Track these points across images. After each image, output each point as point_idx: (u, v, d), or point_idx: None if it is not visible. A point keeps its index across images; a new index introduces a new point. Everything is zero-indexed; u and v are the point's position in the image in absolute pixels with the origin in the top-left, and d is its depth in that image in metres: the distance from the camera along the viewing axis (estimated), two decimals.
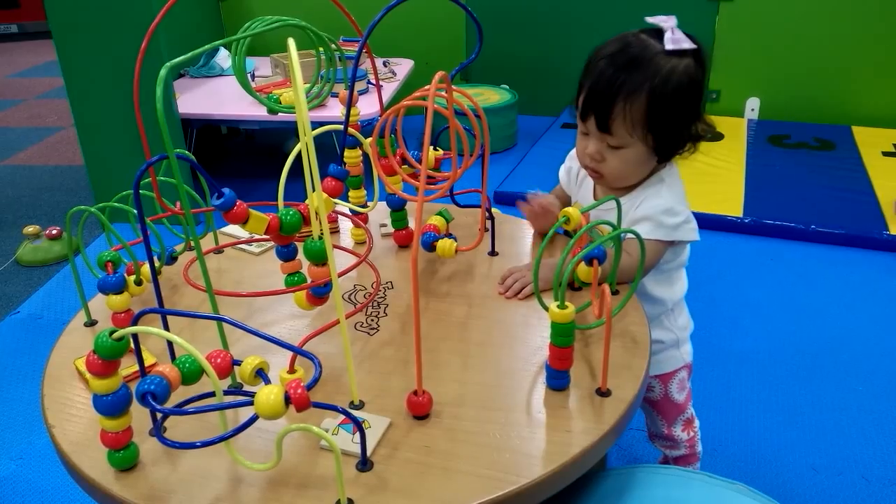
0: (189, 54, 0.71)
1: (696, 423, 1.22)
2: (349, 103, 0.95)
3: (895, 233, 2.30)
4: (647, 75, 0.93)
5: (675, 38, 0.93)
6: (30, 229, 2.41)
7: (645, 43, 0.95)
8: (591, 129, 0.97)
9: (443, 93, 0.85)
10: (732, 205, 2.51)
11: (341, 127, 0.97)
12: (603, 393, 0.79)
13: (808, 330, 1.90)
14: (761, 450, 1.50)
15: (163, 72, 0.65)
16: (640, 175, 1.02)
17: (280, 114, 2.34)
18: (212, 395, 0.68)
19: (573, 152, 1.11)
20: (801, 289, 2.11)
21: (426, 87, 0.76)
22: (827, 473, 1.44)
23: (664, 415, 1.18)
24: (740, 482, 0.85)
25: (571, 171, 1.15)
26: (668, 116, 0.95)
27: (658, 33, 0.95)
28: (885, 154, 2.92)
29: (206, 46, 0.77)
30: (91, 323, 0.97)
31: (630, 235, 0.83)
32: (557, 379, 0.79)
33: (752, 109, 3.39)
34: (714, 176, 2.73)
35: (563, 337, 0.76)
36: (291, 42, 0.65)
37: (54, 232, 2.42)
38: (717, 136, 3.14)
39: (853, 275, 2.18)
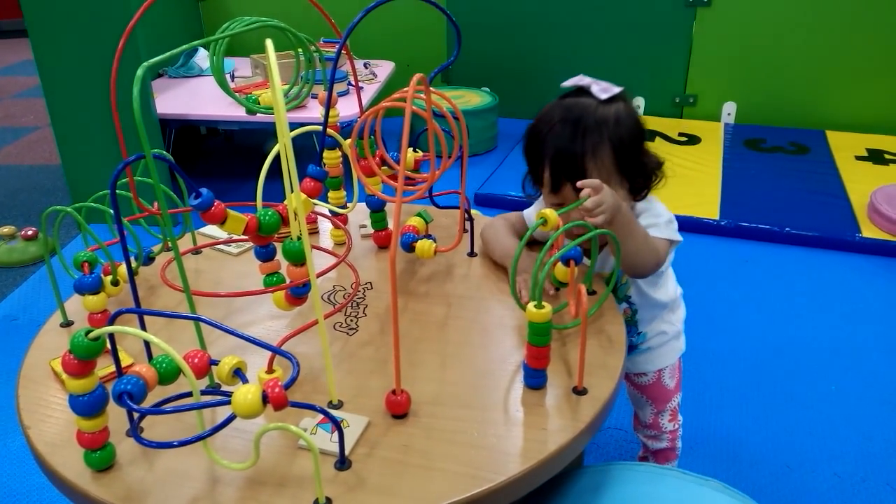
0: (167, 54, 0.71)
1: (681, 418, 1.25)
2: (328, 104, 0.95)
3: (867, 235, 2.35)
4: (601, 128, 0.97)
5: (603, 88, 0.99)
6: (5, 230, 2.38)
7: (580, 103, 0.99)
8: (569, 196, 0.98)
9: (421, 95, 0.85)
10: (709, 208, 2.55)
11: (320, 128, 0.97)
12: (579, 391, 0.80)
13: (782, 330, 1.93)
14: (735, 448, 1.53)
15: (140, 71, 0.65)
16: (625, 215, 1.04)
17: (259, 114, 2.34)
18: (189, 395, 0.68)
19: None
20: (776, 290, 2.14)
21: (405, 88, 0.77)
22: (800, 471, 1.46)
23: (654, 400, 1.20)
24: (714, 479, 0.87)
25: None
26: (632, 156, 1.00)
27: (580, 92, 1.01)
28: (859, 158, 2.98)
29: (185, 46, 0.77)
30: (67, 324, 0.96)
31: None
32: (534, 378, 0.80)
33: (729, 114, 3.43)
34: (691, 179, 2.76)
35: (540, 336, 0.77)
36: (269, 43, 0.65)
37: (30, 233, 2.39)
38: (694, 140, 3.18)
39: (826, 276, 2.22)
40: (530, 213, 1.13)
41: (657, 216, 1.03)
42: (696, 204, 2.55)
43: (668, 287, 1.13)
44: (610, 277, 0.93)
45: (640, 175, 1.02)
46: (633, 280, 1.08)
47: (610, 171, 0.98)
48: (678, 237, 1.03)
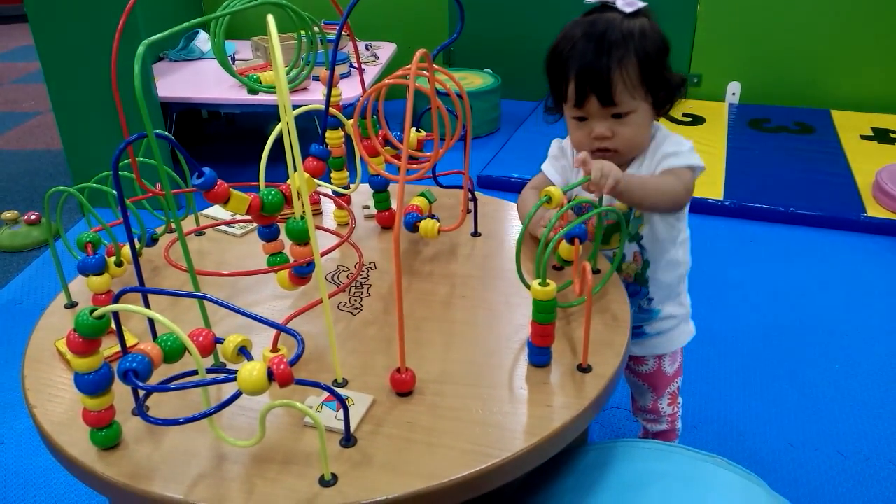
0: (168, 31, 0.71)
1: (680, 399, 1.24)
2: (330, 83, 0.94)
3: (872, 215, 2.34)
4: (626, 41, 0.96)
5: (628, 2, 0.98)
6: (8, 214, 2.38)
7: (604, 17, 0.98)
8: (593, 109, 0.98)
9: (424, 72, 0.84)
10: (713, 188, 2.53)
11: (323, 107, 0.97)
12: (584, 369, 0.80)
13: (786, 310, 1.93)
14: (740, 426, 1.53)
15: (141, 49, 0.64)
16: (647, 137, 1.04)
17: (260, 94, 2.32)
18: (194, 373, 0.68)
19: (558, 150, 1.12)
20: (780, 270, 2.13)
21: (408, 66, 0.76)
22: (804, 449, 1.46)
23: (654, 387, 1.20)
24: (719, 456, 0.87)
25: (568, 163, 1.12)
26: (657, 69, 0.99)
27: (603, 7, 1.00)
28: (864, 137, 2.96)
29: (186, 24, 0.76)
30: (71, 305, 0.96)
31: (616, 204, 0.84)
32: (539, 356, 0.80)
33: (734, 94, 3.41)
34: None
35: (544, 314, 0.77)
36: (271, 19, 0.65)
37: (33, 217, 2.39)
38: (699, 121, 3.16)
39: (831, 256, 2.21)
40: (548, 168, 1.13)
41: (679, 144, 1.02)
42: (701, 184, 2.50)
43: (686, 247, 1.12)
44: (615, 256, 0.92)
45: (663, 89, 1.00)
46: (647, 217, 1.06)
47: (635, 84, 0.97)
48: (701, 164, 1.02)
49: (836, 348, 1.77)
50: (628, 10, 0.97)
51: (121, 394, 0.70)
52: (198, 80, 2.77)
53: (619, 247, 0.97)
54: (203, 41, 3.05)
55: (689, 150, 1.02)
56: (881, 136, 2.97)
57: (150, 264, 1.05)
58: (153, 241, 1.09)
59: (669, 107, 1.03)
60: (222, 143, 3.27)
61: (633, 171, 1.03)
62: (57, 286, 0.98)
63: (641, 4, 0.99)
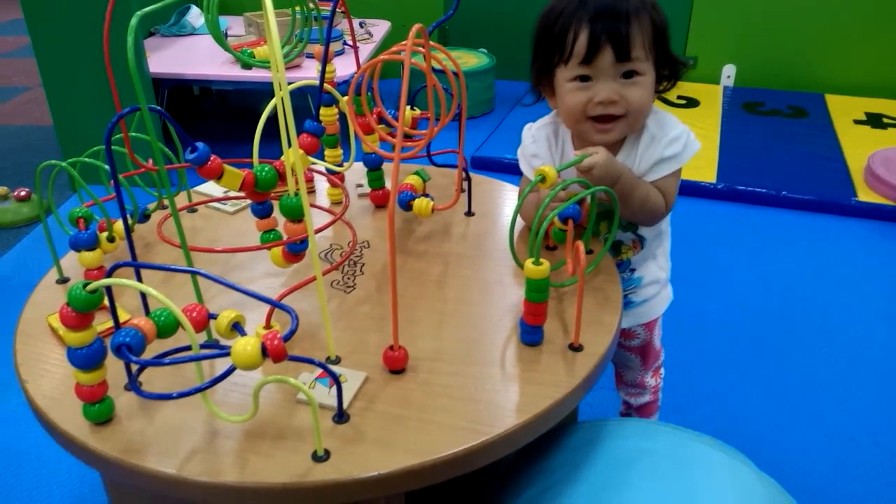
0: (160, 4, 0.70)
1: (663, 371, 1.25)
2: (324, 59, 0.94)
3: (864, 199, 2.35)
4: (638, 1, 0.91)
5: None
6: None
7: None
8: (604, 65, 0.91)
9: (420, 48, 0.84)
10: (706, 171, 2.54)
11: (317, 83, 0.96)
12: (575, 348, 0.80)
13: (776, 293, 1.95)
14: (727, 407, 1.55)
15: (133, 20, 0.63)
16: (649, 111, 0.98)
17: (253, 71, 2.31)
18: (188, 349, 0.68)
19: (532, 143, 1.05)
20: (771, 253, 2.15)
21: (403, 42, 0.75)
22: (790, 430, 1.48)
23: (644, 360, 1.20)
24: (707, 435, 0.88)
25: (545, 160, 1.05)
26: (665, 38, 0.94)
27: None
28: (857, 122, 2.97)
29: None
30: (63, 280, 0.96)
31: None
32: (531, 334, 0.81)
33: (728, 76, 3.40)
34: None
35: (537, 293, 0.77)
36: None
37: (23, 193, 2.37)
38: (694, 103, 3.15)
39: (822, 240, 2.22)
40: (528, 164, 1.08)
41: (677, 140, 0.97)
42: (694, 167, 2.54)
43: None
44: (608, 237, 0.93)
45: (668, 65, 0.96)
46: None
47: (648, 43, 0.92)
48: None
49: (825, 331, 1.79)
50: None
51: (113, 369, 0.70)
52: (189, 55, 2.75)
53: (610, 232, 0.96)
54: (195, 16, 3.02)
55: (685, 146, 0.98)
56: (874, 120, 2.98)
57: (143, 240, 1.04)
58: (145, 217, 1.08)
59: (669, 86, 1.00)
60: (214, 121, 3.24)
61: (625, 153, 0.99)
62: (47, 263, 0.98)
63: None
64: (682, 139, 0.98)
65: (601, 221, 1.04)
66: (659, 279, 1.13)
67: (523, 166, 1.08)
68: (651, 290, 1.12)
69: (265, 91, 2.99)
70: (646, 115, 0.98)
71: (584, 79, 0.93)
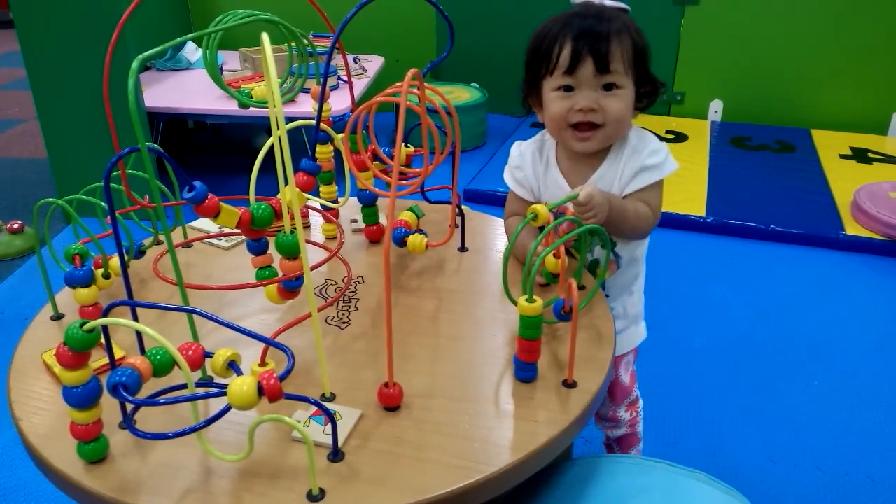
0: (160, 48, 0.71)
1: (640, 403, 1.25)
2: (321, 98, 0.95)
3: (851, 233, 2.38)
4: (622, 19, 0.98)
5: (613, 4, 1.01)
6: None
7: (594, 3, 1.00)
8: (585, 75, 0.96)
9: (415, 90, 0.86)
10: (695, 204, 2.57)
11: (313, 122, 0.98)
12: (569, 384, 0.81)
13: (766, 326, 1.96)
14: (720, 441, 1.55)
15: (135, 64, 0.65)
16: (628, 124, 1.03)
17: (251, 108, 2.31)
18: (183, 387, 0.69)
19: (518, 156, 1.11)
20: (761, 286, 2.17)
21: (399, 83, 0.77)
22: (784, 465, 1.48)
23: (612, 397, 1.21)
24: (701, 471, 0.88)
25: (528, 172, 1.10)
26: (644, 60, 1.00)
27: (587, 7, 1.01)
28: (843, 157, 3.01)
29: (178, 40, 0.77)
30: (58, 317, 0.96)
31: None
32: (525, 371, 0.81)
33: (716, 112, 3.46)
34: (678, 176, 2.74)
35: (531, 330, 0.78)
36: (265, 37, 0.66)
37: (16, 226, 2.37)
38: (682, 138, 3.20)
39: (810, 273, 2.24)
40: (510, 182, 1.13)
41: (657, 152, 1.02)
42: (683, 201, 2.58)
43: (645, 241, 1.12)
44: (599, 273, 0.94)
45: (648, 83, 1.01)
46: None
47: (628, 61, 0.97)
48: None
49: (816, 364, 1.80)
50: (612, 4, 1.00)
51: (108, 408, 0.70)
52: (185, 90, 2.77)
53: (601, 270, 0.98)
54: (191, 51, 3.06)
55: (666, 158, 1.03)
56: (859, 155, 3.03)
57: (138, 276, 1.05)
58: (140, 253, 1.09)
59: (648, 104, 1.04)
60: (208, 154, 3.26)
61: (606, 166, 1.03)
62: (40, 297, 0.98)
63: (624, 6, 1.01)
64: (663, 152, 1.03)
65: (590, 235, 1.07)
66: (629, 314, 1.14)
67: (507, 177, 1.14)
68: (619, 324, 1.13)
69: (260, 124, 3.02)
70: (624, 127, 1.02)
71: (567, 89, 0.99)
